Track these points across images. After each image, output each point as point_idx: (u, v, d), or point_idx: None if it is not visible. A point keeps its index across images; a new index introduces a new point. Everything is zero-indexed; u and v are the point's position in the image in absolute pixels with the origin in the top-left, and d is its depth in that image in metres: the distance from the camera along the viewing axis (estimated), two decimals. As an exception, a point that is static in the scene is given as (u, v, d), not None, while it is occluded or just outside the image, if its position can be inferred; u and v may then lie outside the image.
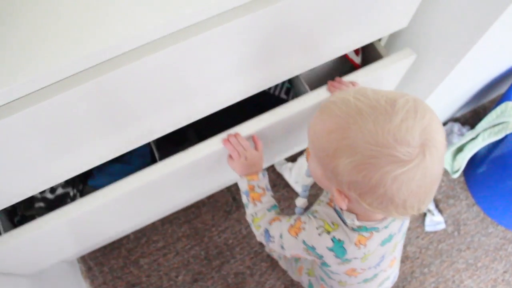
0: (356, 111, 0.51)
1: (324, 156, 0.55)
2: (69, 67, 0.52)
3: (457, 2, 0.82)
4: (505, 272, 1.26)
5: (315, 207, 0.73)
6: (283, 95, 1.04)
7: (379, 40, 1.02)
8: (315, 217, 0.69)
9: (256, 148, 0.84)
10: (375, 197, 0.52)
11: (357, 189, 0.52)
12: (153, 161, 0.95)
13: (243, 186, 0.81)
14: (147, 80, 0.60)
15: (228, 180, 1.18)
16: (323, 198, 0.73)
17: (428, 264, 1.27)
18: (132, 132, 0.71)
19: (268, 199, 0.80)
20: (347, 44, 0.84)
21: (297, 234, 0.69)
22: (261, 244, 1.27)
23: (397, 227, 0.69)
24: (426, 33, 0.95)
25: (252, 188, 0.80)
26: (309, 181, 0.84)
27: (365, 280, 0.75)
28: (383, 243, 0.68)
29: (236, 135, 0.82)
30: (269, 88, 1.03)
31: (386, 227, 0.66)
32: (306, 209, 0.82)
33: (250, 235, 1.28)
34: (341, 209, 0.64)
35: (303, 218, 0.70)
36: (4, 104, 0.52)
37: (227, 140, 0.82)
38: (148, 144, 0.93)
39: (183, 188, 0.99)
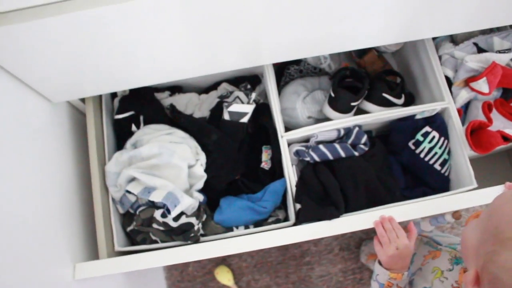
0: None
1: None
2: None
3: None
4: None
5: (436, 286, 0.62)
6: (437, 166, 0.89)
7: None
8: None
9: (408, 237, 0.71)
10: None
11: None
12: (284, 200, 0.86)
13: (381, 278, 0.70)
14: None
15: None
16: (447, 273, 0.63)
17: None
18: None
19: None
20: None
21: None
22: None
23: None
24: None
25: (389, 286, 0.69)
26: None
27: None
28: None
29: (390, 220, 0.71)
30: (423, 154, 0.89)
31: None
32: None
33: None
34: None
35: None
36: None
37: (379, 223, 0.70)
38: (282, 182, 0.84)
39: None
